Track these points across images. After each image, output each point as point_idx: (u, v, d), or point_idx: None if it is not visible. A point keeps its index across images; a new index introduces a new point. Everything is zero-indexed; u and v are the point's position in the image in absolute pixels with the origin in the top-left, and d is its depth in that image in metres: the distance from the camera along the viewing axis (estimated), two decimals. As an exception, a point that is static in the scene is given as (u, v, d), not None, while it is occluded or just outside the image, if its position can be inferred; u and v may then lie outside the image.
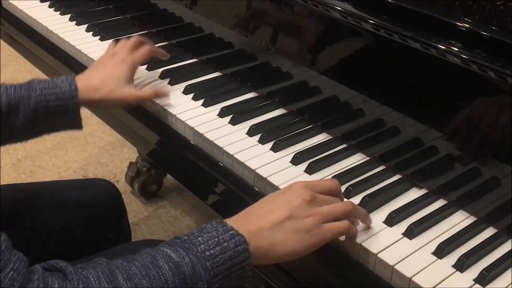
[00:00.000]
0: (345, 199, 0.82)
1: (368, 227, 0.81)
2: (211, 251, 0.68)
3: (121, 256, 0.69)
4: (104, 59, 1.07)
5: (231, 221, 0.73)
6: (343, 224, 0.76)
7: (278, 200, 0.77)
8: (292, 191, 0.77)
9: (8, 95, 0.94)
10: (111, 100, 1.01)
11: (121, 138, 2.17)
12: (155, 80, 1.16)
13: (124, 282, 0.64)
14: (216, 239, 0.70)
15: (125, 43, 1.09)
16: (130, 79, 1.04)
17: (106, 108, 1.07)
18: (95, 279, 0.64)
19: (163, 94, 1.07)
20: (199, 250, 0.68)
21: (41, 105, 0.95)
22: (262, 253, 0.72)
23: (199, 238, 0.70)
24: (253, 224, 0.73)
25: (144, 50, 1.09)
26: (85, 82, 0.99)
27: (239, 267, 0.70)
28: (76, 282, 0.63)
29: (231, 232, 0.71)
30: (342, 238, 0.79)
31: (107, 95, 1.00)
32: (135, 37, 1.11)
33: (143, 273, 0.65)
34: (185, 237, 0.70)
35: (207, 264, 0.68)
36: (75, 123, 1.00)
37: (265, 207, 0.76)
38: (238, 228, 0.72)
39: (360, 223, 0.81)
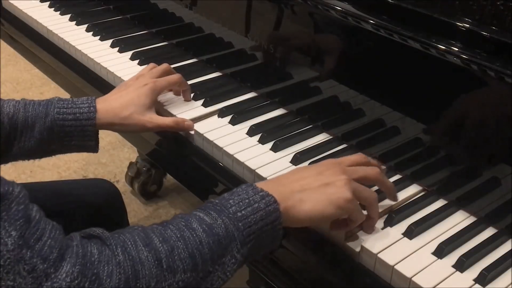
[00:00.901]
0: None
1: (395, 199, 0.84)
2: (243, 212, 0.70)
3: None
4: (128, 81, 1.04)
5: (261, 184, 0.75)
6: (372, 192, 0.79)
7: (310, 169, 0.80)
8: (323, 163, 0.80)
9: (26, 111, 0.93)
10: (130, 125, 0.98)
11: (121, 138, 2.16)
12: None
13: (160, 245, 0.66)
14: (247, 200, 0.71)
15: (152, 67, 1.07)
16: (152, 104, 1.00)
17: (125, 132, 1.05)
18: (132, 243, 0.65)
19: (184, 126, 1.01)
20: (231, 211, 0.70)
21: (58, 124, 0.93)
22: (293, 214, 0.74)
23: (230, 201, 0.71)
24: (284, 186, 0.76)
25: (171, 78, 1.05)
26: (105, 105, 0.97)
27: (271, 227, 0.72)
28: (114, 247, 0.65)
29: (261, 193, 0.72)
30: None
31: (125, 120, 0.97)
32: (165, 64, 1.08)
33: (178, 236, 0.67)
34: (217, 201, 0.72)
35: (240, 224, 0.69)
36: (91, 145, 0.98)
37: (295, 174, 0.79)
38: (269, 189, 0.73)
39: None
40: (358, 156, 0.85)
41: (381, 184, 0.83)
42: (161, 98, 1.08)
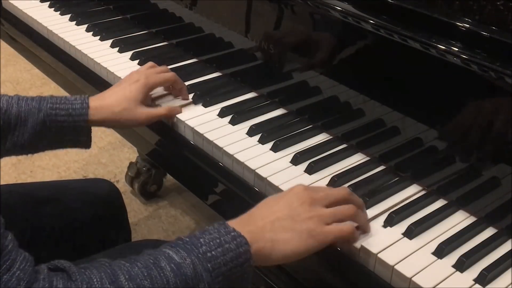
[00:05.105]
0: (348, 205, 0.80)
1: (366, 233, 0.80)
2: (213, 252, 0.69)
3: (122, 256, 0.69)
4: (122, 79, 1.06)
5: (233, 223, 0.74)
6: (346, 227, 0.76)
7: (279, 202, 0.77)
8: (293, 193, 0.78)
9: (19, 106, 0.94)
10: (122, 120, 1.00)
11: (121, 138, 2.16)
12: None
13: (126, 283, 0.65)
14: (218, 240, 0.70)
15: (148, 65, 1.09)
16: (144, 99, 1.02)
17: (120, 128, 1.06)
18: (98, 280, 0.64)
19: (176, 112, 1.04)
20: (201, 251, 0.69)
21: (50, 119, 0.94)
22: (264, 254, 0.73)
23: (201, 240, 0.70)
24: (255, 225, 0.74)
25: (164, 75, 1.07)
26: (98, 102, 0.99)
27: (240, 269, 0.70)
28: (80, 283, 0.63)
29: (233, 233, 0.71)
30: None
31: (117, 115, 0.99)
32: (163, 66, 1.10)
33: (145, 274, 0.66)
34: (187, 239, 0.71)
35: (209, 265, 0.68)
36: (83, 141, 0.99)
37: (267, 209, 0.76)
38: (240, 229, 0.72)
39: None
40: (336, 193, 0.80)
41: (356, 221, 0.79)
42: (160, 101, 1.08)
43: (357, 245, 0.79)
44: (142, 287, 0.65)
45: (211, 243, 0.69)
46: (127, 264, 0.67)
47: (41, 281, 0.62)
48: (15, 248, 0.62)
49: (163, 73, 1.08)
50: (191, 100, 1.09)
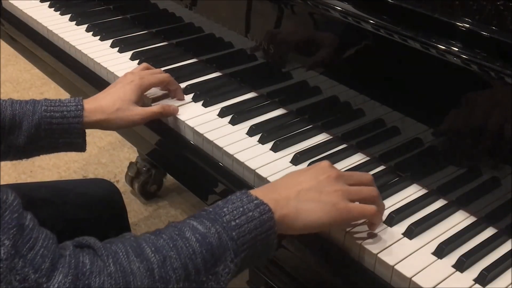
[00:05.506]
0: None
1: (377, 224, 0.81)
2: (237, 221, 0.70)
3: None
4: (117, 81, 1.06)
5: (256, 192, 0.75)
6: (369, 207, 0.77)
7: (304, 174, 0.78)
8: (319, 167, 0.79)
9: (13, 109, 0.94)
10: (116, 120, 1.00)
11: (121, 138, 2.17)
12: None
13: (152, 255, 0.65)
14: (241, 209, 0.71)
15: (142, 67, 1.09)
16: (138, 100, 1.03)
17: (115, 129, 1.07)
18: (124, 253, 0.65)
19: (170, 110, 1.04)
20: (225, 220, 0.69)
21: (45, 121, 0.94)
22: (287, 222, 0.73)
23: (224, 209, 0.71)
24: (279, 193, 0.75)
25: (158, 75, 1.08)
26: (93, 104, 0.99)
27: (265, 236, 0.71)
28: (105, 258, 0.64)
29: (256, 201, 0.72)
30: (343, 236, 0.79)
31: (111, 115, 0.99)
32: (158, 70, 1.11)
33: (171, 245, 0.67)
34: (211, 209, 0.72)
35: (233, 234, 0.69)
36: (78, 144, 0.99)
37: (291, 180, 0.78)
38: (263, 197, 0.73)
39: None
40: (361, 176, 0.82)
41: (376, 205, 0.79)
42: (156, 103, 1.08)
43: (357, 245, 0.79)
44: (169, 258, 0.65)
45: (235, 211, 0.70)
46: (152, 236, 0.68)
47: (67, 257, 0.62)
48: (36, 227, 0.62)
49: (157, 74, 1.08)
50: (186, 101, 1.09)
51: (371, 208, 0.77)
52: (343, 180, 0.78)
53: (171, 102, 1.09)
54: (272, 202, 0.73)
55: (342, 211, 0.75)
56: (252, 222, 0.70)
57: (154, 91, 1.10)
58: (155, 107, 1.04)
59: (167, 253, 0.66)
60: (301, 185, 0.76)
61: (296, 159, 0.94)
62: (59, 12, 1.42)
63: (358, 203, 0.77)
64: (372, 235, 0.80)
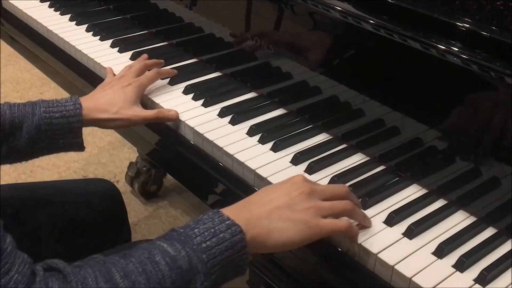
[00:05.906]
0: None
1: (367, 228, 0.81)
2: (208, 242, 0.69)
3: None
4: (112, 81, 1.08)
5: (228, 211, 0.74)
6: (342, 222, 0.76)
7: (277, 190, 0.77)
8: (293, 182, 0.78)
9: (12, 112, 0.94)
10: (117, 120, 1.01)
11: (121, 138, 2.16)
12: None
13: (121, 280, 0.65)
14: (212, 230, 0.70)
15: (131, 67, 1.11)
16: (137, 100, 1.05)
17: (112, 128, 1.08)
18: (93, 278, 0.64)
19: (168, 115, 1.05)
20: (195, 242, 0.69)
21: (45, 122, 0.95)
22: (259, 241, 0.73)
23: (195, 230, 0.70)
24: (251, 212, 0.74)
25: (151, 73, 1.10)
26: (91, 102, 1.00)
27: (237, 256, 0.70)
28: (74, 283, 0.63)
29: (227, 222, 0.71)
30: (343, 236, 0.79)
31: (113, 115, 1.00)
32: (141, 62, 1.13)
33: (140, 270, 0.66)
34: (181, 230, 0.71)
35: (204, 256, 0.68)
36: (77, 143, 0.99)
37: (264, 197, 0.77)
38: (235, 217, 0.72)
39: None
40: (334, 189, 0.81)
41: (352, 217, 0.79)
42: (159, 99, 1.09)
43: (357, 245, 0.79)
44: (138, 284, 0.65)
45: (206, 233, 0.70)
46: (121, 260, 0.67)
47: (37, 283, 0.62)
48: (14, 251, 0.62)
49: (145, 69, 1.11)
50: (186, 100, 1.09)
51: (342, 223, 0.76)
52: (316, 195, 0.77)
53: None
54: (244, 222, 0.72)
55: (314, 229, 0.74)
56: (223, 243, 0.69)
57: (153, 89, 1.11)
58: (153, 111, 1.05)
59: (136, 278, 0.65)
60: (273, 202, 0.75)
61: (296, 159, 0.94)
62: (59, 12, 1.42)
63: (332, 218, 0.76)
64: (372, 235, 0.80)
